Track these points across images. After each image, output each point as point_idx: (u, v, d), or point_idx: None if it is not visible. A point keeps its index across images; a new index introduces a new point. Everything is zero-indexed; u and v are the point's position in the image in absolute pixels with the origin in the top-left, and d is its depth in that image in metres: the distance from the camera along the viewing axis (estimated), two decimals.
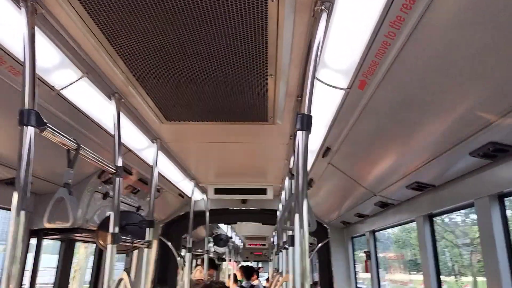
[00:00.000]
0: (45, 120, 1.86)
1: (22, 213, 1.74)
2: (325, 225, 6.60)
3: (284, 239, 4.87)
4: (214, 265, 8.26)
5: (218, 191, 6.04)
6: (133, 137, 3.61)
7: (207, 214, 6.42)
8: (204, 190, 6.26)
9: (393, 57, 1.90)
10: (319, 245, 6.78)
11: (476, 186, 2.69)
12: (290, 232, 3.36)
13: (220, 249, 11.97)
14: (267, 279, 15.75)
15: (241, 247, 17.34)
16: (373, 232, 5.39)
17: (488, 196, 2.56)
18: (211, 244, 10.01)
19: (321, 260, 6.95)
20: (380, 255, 5.69)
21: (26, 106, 1.77)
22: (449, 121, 2.18)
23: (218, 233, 10.21)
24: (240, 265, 13.53)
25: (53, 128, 1.97)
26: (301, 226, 1.81)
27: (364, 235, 5.67)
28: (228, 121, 3.38)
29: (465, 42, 1.63)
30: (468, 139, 2.22)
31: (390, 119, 2.52)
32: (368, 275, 5.57)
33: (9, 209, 3.57)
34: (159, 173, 4.41)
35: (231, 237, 10.87)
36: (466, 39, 1.61)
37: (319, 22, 1.82)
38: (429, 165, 2.75)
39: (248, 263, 22.28)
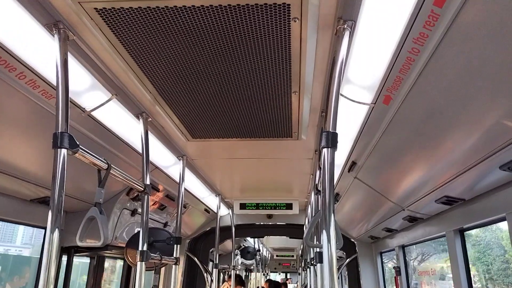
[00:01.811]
0: (77, 142, 1.92)
1: (56, 231, 1.79)
2: (352, 240, 6.51)
3: (311, 255, 4.83)
4: (241, 282, 8.24)
5: (243, 206, 6.05)
6: (160, 154, 3.68)
7: (233, 229, 6.43)
8: (229, 205, 6.28)
9: (418, 72, 1.90)
10: (348, 260, 6.69)
11: (507, 200, 2.62)
12: (317, 249, 3.33)
13: (248, 261, 11.94)
14: None
15: (269, 258, 17.23)
16: (403, 247, 5.29)
17: None
18: (238, 257, 9.99)
19: (350, 275, 6.85)
20: None
21: (60, 129, 1.84)
22: (477, 135, 2.14)
23: (246, 245, 10.19)
24: (267, 279, 13.44)
25: (85, 149, 2.03)
26: (329, 243, 1.80)
27: (393, 250, 5.56)
28: (252, 137, 3.41)
29: (491, 54, 1.61)
30: (497, 153, 2.18)
31: (416, 133, 2.50)
32: None
33: (41, 227, 3.70)
34: (185, 189, 4.46)
35: (258, 250, 10.81)
36: (491, 52, 1.60)
37: (342, 40, 1.83)
38: (458, 179, 2.70)
39: (276, 274, 22.11)
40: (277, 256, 18.70)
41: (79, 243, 2.14)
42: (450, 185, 2.86)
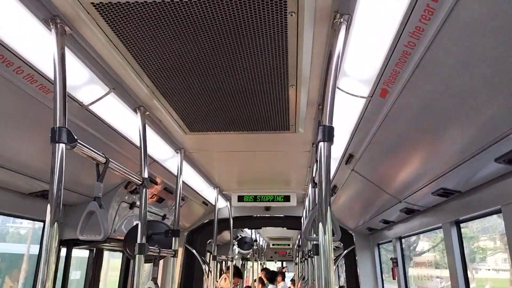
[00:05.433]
0: (75, 137, 1.93)
1: (56, 224, 1.80)
2: (350, 231, 6.55)
3: (309, 247, 4.87)
4: (239, 274, 8.28)
5: (241, 198, 6.08)
6: (157, 148, 3.69)
7: (231, 221, 6.46)
8: (227, 198, 6.30)
9: (414, 65, 1.91)
10: (345, 251, 6.73)
11: (503, 192, 2.64)
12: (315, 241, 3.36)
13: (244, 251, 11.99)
14: (292, 280, 15.62)
15: (265, 247, 17.34)
16: (400, 238, 5.33)
17: None
18: (235, 247, 10.03)
19: (347, 266, 6.90)
20: None
21: (58, 124, 1.85)
22: (473, 127, 2.16)
23: (243, 236, 10.23)
24: (263, 268, 13.48)
25: (83, 144, 2.04)
26: (325, 236, 1.82)
27: (390, 241, 5.60)
28: (250, 130, 3.42)
29: (486, 48, 1.62)
30: (492, 146, 2.19)
31: (413, 126, 2.51)
32: None
33: (40, 220, 3.72)
34: (184, 182, 4.47)
35: (255, 240, 10.86)
36: (487, 45, 1.61)
37: (339, 34, 1.84)
38: (454, 171, 2.72)
39: (272, 263, 22.20)
40: (273, 245, 18.81)
41: (80, 237, 2.16)
42: (446, 177, 2.88)
